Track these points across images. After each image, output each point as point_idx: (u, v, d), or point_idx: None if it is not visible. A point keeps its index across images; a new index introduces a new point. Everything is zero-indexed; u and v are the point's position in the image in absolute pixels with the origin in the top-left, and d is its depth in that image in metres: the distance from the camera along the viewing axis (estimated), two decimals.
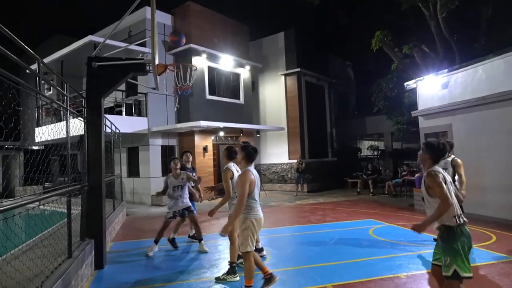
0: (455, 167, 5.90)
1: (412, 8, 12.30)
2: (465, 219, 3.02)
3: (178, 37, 4.94)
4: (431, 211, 3.07)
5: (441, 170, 3.13)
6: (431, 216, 3.00)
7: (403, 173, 13.40)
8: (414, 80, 10.57)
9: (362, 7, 15.42)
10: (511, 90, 7.42)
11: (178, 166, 6.15)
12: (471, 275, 2.87)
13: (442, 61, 11.72)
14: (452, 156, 6.09)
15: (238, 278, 4.58)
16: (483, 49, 10.96)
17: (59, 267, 3.74)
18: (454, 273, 2.86)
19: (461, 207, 5.99)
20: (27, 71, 3.55)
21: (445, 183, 3.02)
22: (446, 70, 9.44)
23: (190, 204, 6.21)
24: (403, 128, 14.39)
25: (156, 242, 6.09)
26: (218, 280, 4.57)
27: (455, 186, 5.82)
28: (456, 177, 5.86)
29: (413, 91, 11.08)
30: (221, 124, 13.19)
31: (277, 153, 17.06)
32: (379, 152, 18.96)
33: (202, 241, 6.19)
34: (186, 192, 6.25)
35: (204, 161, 13.65)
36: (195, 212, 6.24)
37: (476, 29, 11.91)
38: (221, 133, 14.43)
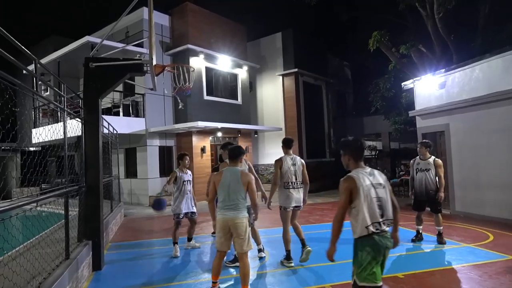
0: (437, 168, 6.04)
1: (409, 8, 12.33)
2: (383, 228, 2.70)
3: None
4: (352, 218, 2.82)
5: (362, 175, 2.76)
6: (332, 234, 2.84)
7: (401, 173, 13.43)
8: (411, 80, 10.59)
9: (360, 7, 15.45)
10: (508, 90, 7.45)
11: (187, 161, 6.34)
12: (376, 285, 2.66)
13: (439, 61, 11.75)
14: (433, 156, 6.22)
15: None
16: (479, 48, 10.99)
17: (56, 269, 3.72)
18: (354, 283, 2.75)
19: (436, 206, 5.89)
20: (24, 71, 3.54)
21: (362, 189, 2.68)
22: (443, 70, 9.47)
23: (195, 210, 6.31)
24: (401, 128, 14.42)
25: (175, 243, 6.06)
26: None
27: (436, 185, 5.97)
28: (437, 178, 6.07)
29: (411, 91, 11.11)
30: (219, 125, 13.18)
31: (275, 153, 16.99)
32: (377, 152, 18.99)
33: (192, 241, 6.40)
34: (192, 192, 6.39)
35: (202, 162, 13.63)
36: (196, 215, 6.34)
37: (473, 29, 11.95)
38: (219, 134, 14.41)
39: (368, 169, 2.84)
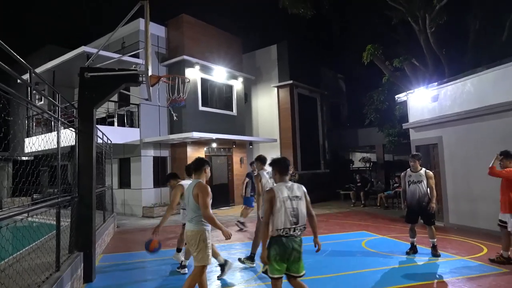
0: (428, 179, 6.12)
1: (402, 22, 12.57)
2: (293, 233, 3.32)
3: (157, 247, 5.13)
4: None
5: (281, 188, 3.40)
6: (262, 238, 3.42)
7: (395, 185, 13.46)
8: (404, 93, 10.72)
9: (354, 20, 15.72)
10: (499, 103, 7.57)
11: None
12: (273, 276, 3.31)
13: (432, 74, 11.93)
14: (424, 168, 6.30)
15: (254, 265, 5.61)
16: (470, 63, 11.20)
17: (46, 281, 3.65)
18: (265, 272, 3.38)
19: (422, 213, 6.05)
20: (18, 80, 3.53)
21: (278, 200, 3.32)
22: (436, 83, 9.60)
23: None
24: (395, 140, 14.52)
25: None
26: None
27: (428, 196, 6.03)
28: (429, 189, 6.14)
29: (404, 103, 11.22)
30: (214, 136, 13.18)
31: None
32: (371, 164, 19.06)
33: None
34: None
35: None
36: None
37: (464, 43, 12.20)
38: (214, 145, 14.40)
39: (289, 184, 3.47)
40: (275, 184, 3.53)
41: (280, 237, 3.29)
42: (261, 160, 6.15)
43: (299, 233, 3.37)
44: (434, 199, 6.05)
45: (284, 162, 3.61)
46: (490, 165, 5.69)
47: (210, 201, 3.82)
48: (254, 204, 9.45)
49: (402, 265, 5.63)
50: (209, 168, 4.22)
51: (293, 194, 3.40)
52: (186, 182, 5.87)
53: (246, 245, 7.18)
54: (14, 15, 32.62)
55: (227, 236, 3.83)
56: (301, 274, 3.40)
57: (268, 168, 5.92)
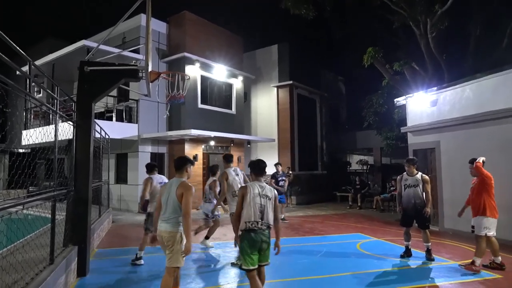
0: (425, 184, 6.13)
1: (403, 26, 12.59)
2: (260, 226, 3.63)
3: None
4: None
5: (254, 186, 3.75)
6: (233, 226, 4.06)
7: (391, 188, 13.48)
8: (404, 97, 10.73)
9: (355, 23, 15.72)
10: (497, 110, 7.59)
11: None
12: (248, 268, 3.58)
13: (431, 79, 11.96)
14: (420, 172, 6.30)
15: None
16: (470, 69, 11.23)
17: (40, 274, 3.65)
18: (241, 266, 3.71)
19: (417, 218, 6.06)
20: (18, 72, 3.51)
21: (249, 195, 3.67)
22: (435, 88, 9.62)
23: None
24: (392, 144, 14.53)
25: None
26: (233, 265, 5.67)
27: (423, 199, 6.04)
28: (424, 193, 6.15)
29: (403, 107, 11.24)
30: (212, 134, 13.17)
31: (268, 164, 16.95)
32: (368, 166, 19.08)
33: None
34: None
35: (194, 170, 13.51)
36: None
37: (464, 49, 12.23)
38: (212, 142, 14.39)
39: (263, 184, 3.82)
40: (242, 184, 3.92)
41: (249, 231, 3.61)
42: (226, 158, 6.27)
43: (265, 227, 3.66)
44: (429, 204, 6.07)
45: (259, 164, 3.97)
46: (478, 160, 5.66)
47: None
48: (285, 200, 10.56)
49: (396, 268, 5.65)
50: (191, 167, 4.06)
51: (263, 193, 3.71)
52: (156, 177, 6.04)
53: None
54: (14, 15, 32.46)
55: (187, 252, 3.63)
56: (268, 262, 3.76)
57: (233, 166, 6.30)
